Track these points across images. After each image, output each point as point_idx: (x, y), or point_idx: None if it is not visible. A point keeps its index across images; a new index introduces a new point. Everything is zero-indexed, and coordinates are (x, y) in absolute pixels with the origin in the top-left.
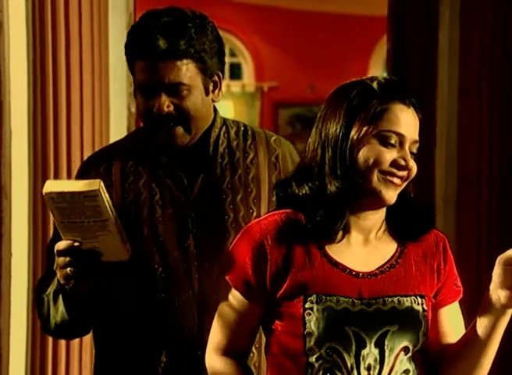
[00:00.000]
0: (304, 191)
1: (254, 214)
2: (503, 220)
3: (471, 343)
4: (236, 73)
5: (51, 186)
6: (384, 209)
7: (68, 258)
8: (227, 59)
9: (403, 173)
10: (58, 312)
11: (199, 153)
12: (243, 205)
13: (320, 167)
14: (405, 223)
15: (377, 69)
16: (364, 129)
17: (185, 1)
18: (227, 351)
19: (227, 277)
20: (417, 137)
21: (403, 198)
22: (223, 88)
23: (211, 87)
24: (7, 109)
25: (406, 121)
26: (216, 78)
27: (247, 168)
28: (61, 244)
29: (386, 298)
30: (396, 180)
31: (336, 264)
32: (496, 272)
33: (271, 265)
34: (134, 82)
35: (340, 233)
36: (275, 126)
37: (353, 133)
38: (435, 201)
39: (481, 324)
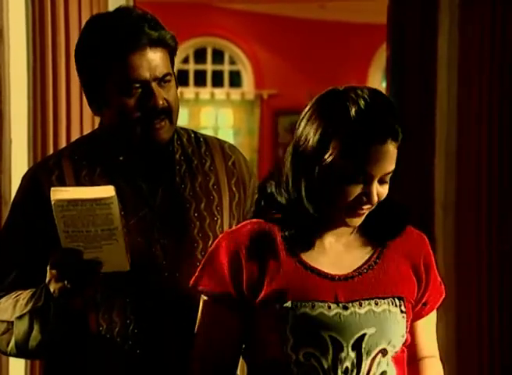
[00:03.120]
0: (281, 200)
1: (219, 222)
2: (503, 228)
3: None
4: (235, 80)
5: (59, 193)
6: None
7: (65, 270)
8: (227, 67)
9: (366, 207)
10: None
11: (157, 161)
12: (208, 213)
13: (294, 184)
14: (381, 223)
15: (376, 76)
16: (337, 162)
17: (183, 8)
18: (211, 367)
19: (205, 288)
20: (389, 169)
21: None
22: (224, 96)
23: None
24: (7, 117)
25: (380, 160)
26: None
27: (206, 175)
28: (58, 255)
29: (363, 301)
30: (361, 211)
31: (311, 269)
32: None
33: (247, 275)
34: (116, 81)
35: (316, 240)
36: (275, 134)
37: (326, 157)
38: (434, 209)
39: None
